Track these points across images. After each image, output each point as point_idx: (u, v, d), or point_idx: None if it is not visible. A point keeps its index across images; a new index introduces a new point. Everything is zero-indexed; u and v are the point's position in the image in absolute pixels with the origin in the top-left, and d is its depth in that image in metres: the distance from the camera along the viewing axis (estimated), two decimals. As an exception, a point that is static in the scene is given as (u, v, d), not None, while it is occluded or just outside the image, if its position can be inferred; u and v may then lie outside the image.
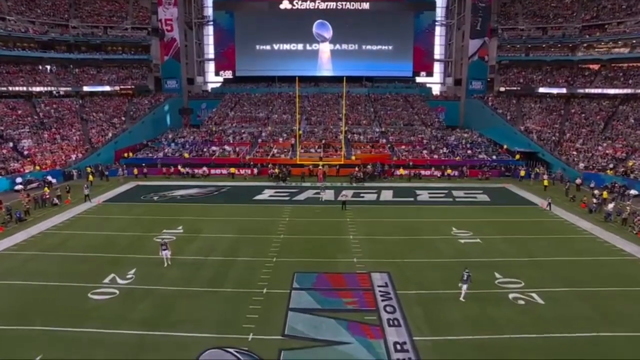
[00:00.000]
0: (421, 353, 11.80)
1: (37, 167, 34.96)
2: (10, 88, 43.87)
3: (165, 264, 17.54)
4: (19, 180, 31.70)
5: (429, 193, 31.24)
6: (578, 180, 32.89)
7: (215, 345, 12.08)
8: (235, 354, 11.73)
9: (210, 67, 62.77)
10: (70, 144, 40.19)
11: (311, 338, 12.52)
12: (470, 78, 54.08)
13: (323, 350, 11.97)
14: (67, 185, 31.58)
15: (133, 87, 51.56)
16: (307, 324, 13.21)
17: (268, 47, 57.19)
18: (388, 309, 14.15)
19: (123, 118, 46.60)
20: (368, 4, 55.87)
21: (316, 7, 55.65)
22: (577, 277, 16.85)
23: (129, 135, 43.51)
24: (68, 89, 48.36)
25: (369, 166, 36.69)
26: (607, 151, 37.37)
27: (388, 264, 17.92)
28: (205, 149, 41.30)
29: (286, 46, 57.23)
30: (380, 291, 15.42)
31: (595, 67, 49.90)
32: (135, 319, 13.46)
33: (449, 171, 37.16)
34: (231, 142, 43.01)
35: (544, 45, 52.14)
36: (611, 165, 34.79)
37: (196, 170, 37.07)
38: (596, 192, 28.62)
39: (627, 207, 24.67)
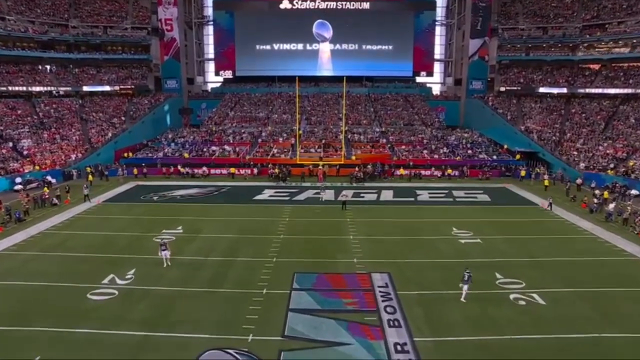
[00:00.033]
0: (422, 354, 11.74)
1: (37, 167, 34.92)
2: (10, 88, 43.84)
3: (165, 265, 17.48)
4: (18, 180, 31.66)
5: (429, 193, 31.18)
6: (579, 180, 32.84)
7: (214, 346, 12.02)
8: (235, 354, 11.68)
9: (210, 67, 62.74)
10: (70, 143, 40.15)
11: (311, 339, 12.46)
12: (470, 78, 54.03)
13: (323, 351, 11.92)
14: (66, 185, 31.53)
15: (133, 87, 51.51)
16: (307, 325, 13.15)
17: (268, 47, 57.15)
18: (388, 309, 14.09)
19: (123, 118, 46.56)
20: (368, 3, 55.82)
21: (316, 6, 55.60)
22: (578, 277, 16.80)
23: (128, 135, 43.47)
24: (68, 88, 48.32)
25: (369, 166, 36.63)
26: (608, 151, 37.32)
27: (388, 264, 17.86)
28: (205, 149, 41.26)
29: (286, 46, 57.18)
30: (380, 292, 15.36)
31: (596, 66, 49.85)
32: (135, 320, 13.40)
33: (449, 171, 37.12)
34: (231, 142, 42.96)
35: (544, 45, 52.06)
36: (612, 165, 34.73)
37: (196, 170, 37.02)
38: (597, 192, 28.58)
39: (628, 207, 24.61)
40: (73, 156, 38.24)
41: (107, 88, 50.46)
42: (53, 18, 49.60)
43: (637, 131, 38.64)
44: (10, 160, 34.80)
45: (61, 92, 48.45)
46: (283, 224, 23.37)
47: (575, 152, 38.82)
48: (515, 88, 51.09)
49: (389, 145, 42.38)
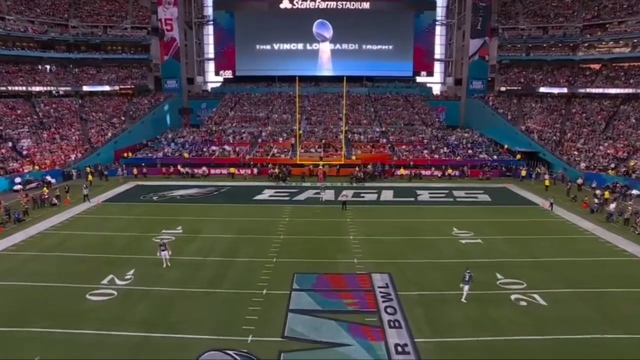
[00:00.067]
0: (422, 355, 11.68)
1: (36, 167, 34.86)
2: (9, 88, 43.77)
3: (164, 265, 17.42)
4: (17, 180, 31.60)
5: (430, 193, 31.11)
6: (579, 180, 32.78)
7: (214, 347, 11.96)
8: (235, 355, 11.62)
9: (210, 66, 62.67)
10: (69, 143, 40.10)
11: (311, 340, 12.40)
12: (470, 78, 53.96)
13: (323, 352, 11.86)
14: (66, 185, 31.46)
15: (133, 86, 51.45)
16: (307, 326, 13.09)
17: (268, 47, 57.07)
18: (389, 310, 14.03)
19: (123, 118, 46.51)
20: (368, 3, 55.75)
21: (316, 6, 55.53)
22: (578, 277, 16.74)
23: (128, 135, 43.41)
24: (67, 88, 48.26)
25: (369, 166, 36.57)
26: (609, 151, 37.25)
27: (389, 264, 17.80)
28: (205, 149, 41.20)
29: (286, 46, 57.11)
30: (380, 292, 15.30)
31: (596, 66, 49.76)
32: (134, 321, 13.34)
33: (449, 171, 37.06)
34: (231, 142, 42.90)
35: (544, 45, 51.98)
36: (612, 165, 34.67)
37: (196, 170, 36.96)
38: (598, 192, 28.52)
39: (629, 207, 24.56)
40: (73, 156, 38.18)
41: (107, 88, 50.40)
42: (53, 18, 49.55)
43: (638, 131, 38.57)
44: (10, 160, 34.73)
45: (61, 92, 48.39)
46: (283, 224, 23.31)
47: (575, 152, 38.75)
48: (515, 88, 51.02)
49: (389, 145, 42.31)
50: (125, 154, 40.42)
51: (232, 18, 56.62)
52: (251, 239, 21.03)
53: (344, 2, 55.60)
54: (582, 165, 36.04)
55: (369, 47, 57.09)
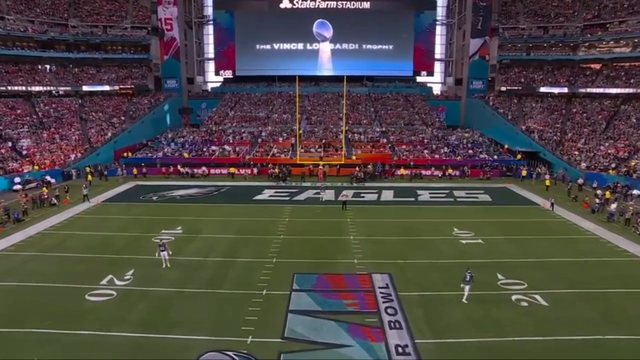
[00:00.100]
0: (423, 355, 11.63)
1: (36, 167, 34.80)
2: (9, 87, 43.71)
3: (164, 265, 17.35)
4: (17, 180, 31.55)
5: (430, 193, 31.05)
6: (580, 180, 32.71)
7: (213, 347, 11.91)
8: (234, 356, 11.56)
9: (210, 66, 62.60)
10: (69, 143, 40.04)
11: (311, 341, 12.34)
12: (471, 77, 53.87)
13: (323, 353, 11.79)
14: (65, 185, 31.41)
15: (133, 86, 51.40)
16: (307, 326, 13.03)
17: (268, 47, 57.02)
18: (389, 310, 13.97)
19: (122, 118, 46.45)
20: (368, 3, 55.68)
21: (316, 6, 55.46)
22: (580, 278, 16.68)
23: (128, 135, 43.34)
24: (67, 88, 48.20)
25: (369, 166, 36.51)
26: (609, 151, 37.19)
27: (389, 264, 17.74)
28: (205, 149, 41.15)
29: (286, 45, 57.04)
30: (381, 292, 15.24)
31: (597, 66, 49.69)
32: (133, 321, 13.28)
33: (450, 171, 37.01)
34: (231, 141, 42.85)
35: (545, 45, 51.91)
36: (613, 165, 34.60)
37: (196, 170, 36.90)
38: (599, 192, 28.43)
39: (630, 207, 24.52)
40: (72, 156, 38.12)
41: (106, 88, 50.36)
42: (52, 17, 49.49)
43: (639, 131, 38.51)
44: (10, 160, 34.68)
45: (61, 92, 48.34)
46: (283, 224, 23.25)
47: (576, 152, 38.68)
48: (516, 88, 50.96)
49: (389, 145, 42.25)
50: (125, 154, 40.36)
51: (232, 18, 56.57)
52: (251, 239, 20.97)
53: (344, 2, 55.53)
54: (583, 165, 35.97)
55: (369, 46, 57.03)
